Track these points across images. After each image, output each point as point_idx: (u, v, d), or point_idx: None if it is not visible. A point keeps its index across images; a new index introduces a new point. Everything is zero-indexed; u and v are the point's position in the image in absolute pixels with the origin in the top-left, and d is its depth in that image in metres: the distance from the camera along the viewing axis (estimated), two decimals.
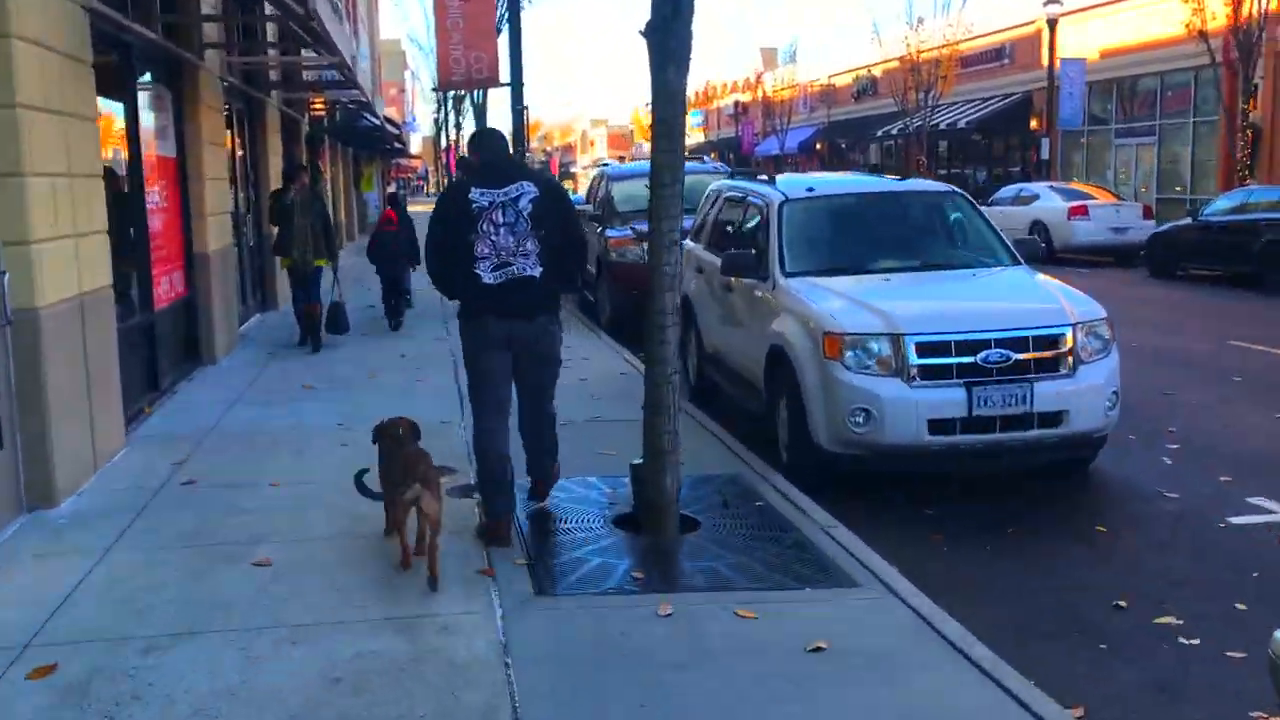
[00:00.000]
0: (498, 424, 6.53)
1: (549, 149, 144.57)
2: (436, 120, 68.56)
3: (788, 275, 8.72)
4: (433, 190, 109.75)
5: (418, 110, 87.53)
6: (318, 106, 24.22)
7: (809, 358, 7.82)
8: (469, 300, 6.44)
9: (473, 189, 6.39)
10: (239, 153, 16.17)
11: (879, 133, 47.32)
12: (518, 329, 6.40)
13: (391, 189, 46.33)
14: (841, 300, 8.03)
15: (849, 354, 7.58)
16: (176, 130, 12.13)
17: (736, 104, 69.13)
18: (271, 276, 17.52)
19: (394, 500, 5.90)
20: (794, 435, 8.04)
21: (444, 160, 77.53)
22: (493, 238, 6.29)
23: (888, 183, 10.10)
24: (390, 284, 15.59)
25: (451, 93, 60.88)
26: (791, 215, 9.19)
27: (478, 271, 6.31)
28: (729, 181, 11.42)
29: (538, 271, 6.38)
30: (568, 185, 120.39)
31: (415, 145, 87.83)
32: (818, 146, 56.90)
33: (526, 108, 14.56)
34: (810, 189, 9.57)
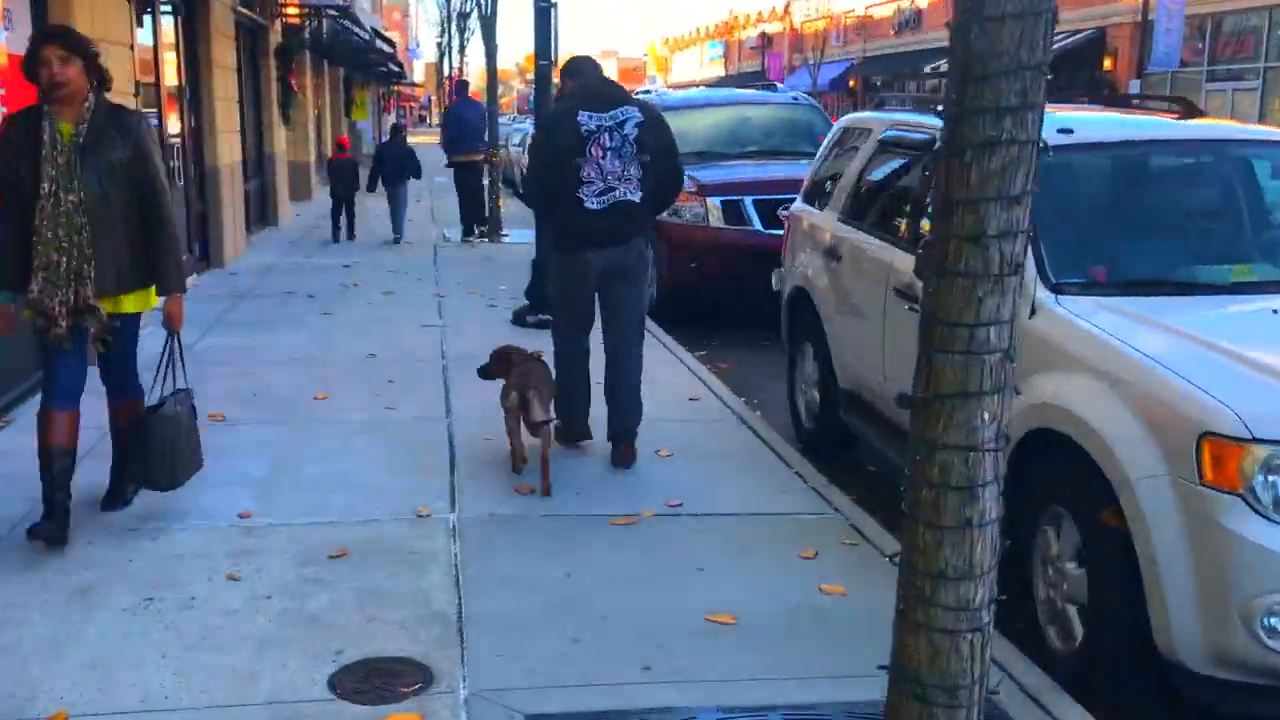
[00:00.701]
0: (583, 338, 6.61)
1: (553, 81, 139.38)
2: (440, 45, 63.79)
3: (1059, 292, 4.66)
4: (435, 121, 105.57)
5: (422, 36, 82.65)
6: (292, 13, 20.02)
7: (1152, 480, 3.80)
8: (569, 227, 6.37)
9: (580, 112, 6.23)
10: (168, 63, 12.16)
11: (927, 69, 42.93)
12: (614, 256, 6.34)
13: (392, 119, 42.15)
14: (1220, 359, 4.01)
15: (1264, 482, 3.59)
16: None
17: (762, 35, 64.42)
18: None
19: (506, 406, 6.09)
20: (1104, 629, 4.08)
21: (446, 89, 73.12)
22: (599, 162, 6.20)
23: (1199, 127, 5.84)
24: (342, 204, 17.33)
25: (455, 8, 56.60)
26: (1050, 179, 4.89)
27: (581, 196, 6.22)
28: (885, 114, 7.22)
29: (638, 196, 6.32)
30: None
31: (419, 73, 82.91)
32: (851, 83, 52.35)
33: (554, 4, 10.35)
34: (1067, 130, 5.18)
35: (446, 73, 72.60)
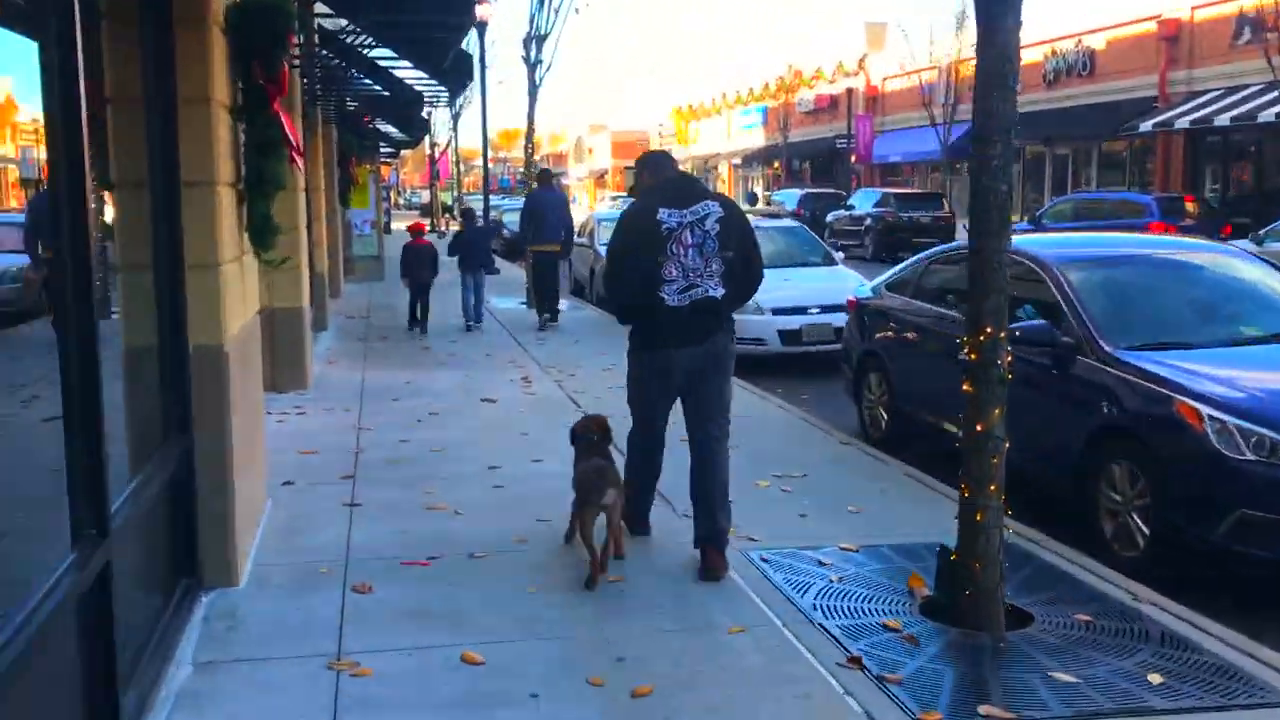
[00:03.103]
0: (657, 446, 6.58)
1: (536, 158, 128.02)
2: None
3: None
4: (401, 204, 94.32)
5: None
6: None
7: None
8: (650, 326, 6.29)
9: (660, 209, 6.19)
10: None
11: (1123, 128, 31.70)
12: (698, 355, 6.21)
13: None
14: None
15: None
16: None
17: (830, 99, 53.16)
18: None
19: (585, 507, 6.02)
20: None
21: (434, 168, 61.46)
22: (681, 259, 6.13)
23: None
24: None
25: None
26: None
27: (663, 295, 6.13)
28: None
29: (721, 293, 6.21)
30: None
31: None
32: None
33: None
34: None
35: (435, 147, 61.77)
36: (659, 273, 6.07)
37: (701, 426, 6.28)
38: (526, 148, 20.72)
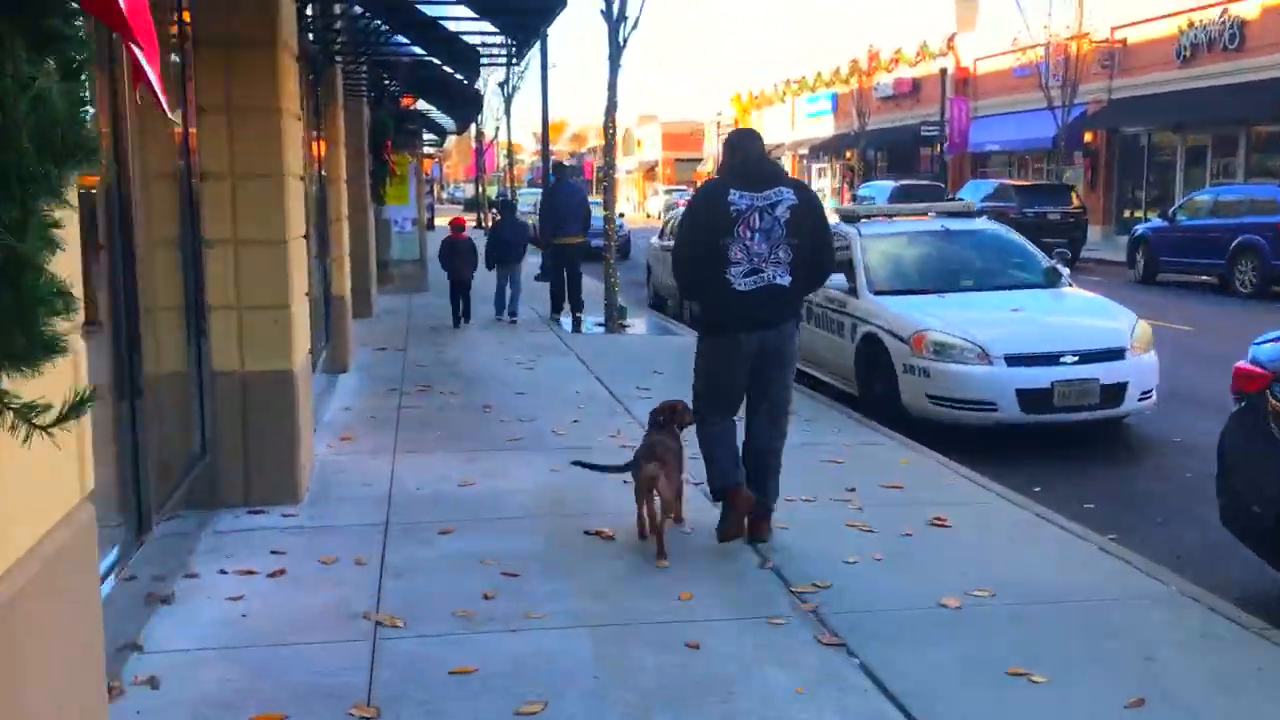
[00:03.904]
0: (730, 423, 6.42)
1: (579, 151, 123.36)
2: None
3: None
4: (444, 199, 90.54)
5: None
6: None
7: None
8: (716, 308, 6.29)
9: (731, 191, 6.17)
10: None
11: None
12: (767, 340, 6.21)
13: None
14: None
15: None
16: None
17: (912, 83, 48.50)
18: None
19: (637, 485, 6.16)
20: None
21: (481, 159, 57.17)
22: (747, 243, 6.09)
23: None
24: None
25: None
26: None
27: (729, 277, 6.11)
28: None
29: (788, 280, 6.18)
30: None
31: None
32: (1087, 138, 36.25)
33: None
34: None
35: (477, 133, 57.53)
36: (725, 254, 6.06)
37: (764, 425, 6.36)
38: (607, 128, 16.40)
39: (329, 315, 11.68)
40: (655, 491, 5.98)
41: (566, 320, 16.68)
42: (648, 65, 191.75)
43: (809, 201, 6.23)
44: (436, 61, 15.28)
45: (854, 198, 39.46)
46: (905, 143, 49.08)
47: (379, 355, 13.07)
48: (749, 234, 6.04)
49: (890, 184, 36.41)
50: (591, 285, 17.62)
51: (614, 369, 11.95)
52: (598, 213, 18.55)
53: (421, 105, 24.66)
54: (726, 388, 6.30)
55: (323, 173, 12.55)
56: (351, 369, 12.00)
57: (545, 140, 21.95)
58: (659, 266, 18.40)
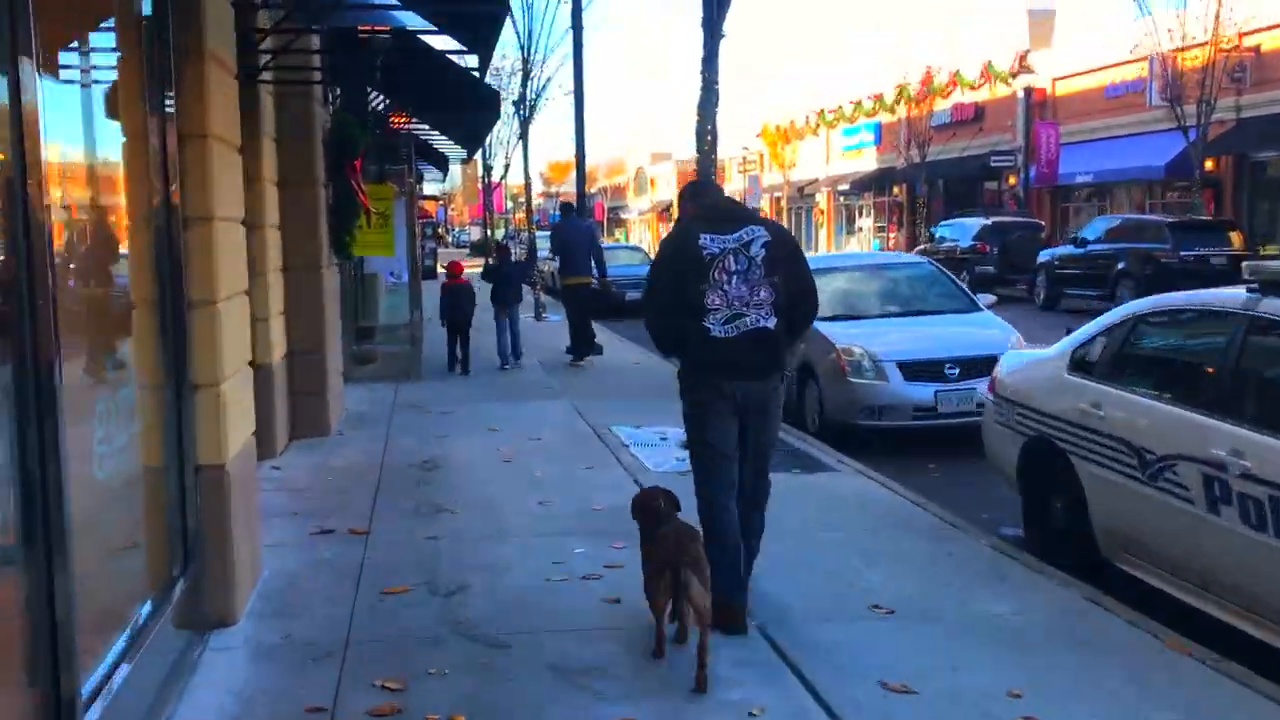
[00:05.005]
0: (730, 500, 5.81)
1: (589, 192, 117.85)
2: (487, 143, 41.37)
3: None
4: (450, 244, 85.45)
5: None
6: None
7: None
8: (697, 358, 5.89)
9: (702, 235, 5.86)
10: None
11: None
12: (752, 390, 5.80)
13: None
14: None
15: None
16: None
17: (975, 107, 42.80)
18: None
19: (654, 582, 5.18)
20: None
21: (489, 197, 51.45)
22: (725, 287, 5.77)
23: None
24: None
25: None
26: None
27: (707, 325, 5.76)
28: None
29: (772, 323, 5.80)
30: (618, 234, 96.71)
31: (430, 185, 60.74)
32: (1208, 165, 30.45)
33: None
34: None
35: (484, 175, 51.84)
36: (702, 302, 5.76)
37: (752, 479, 5.98)
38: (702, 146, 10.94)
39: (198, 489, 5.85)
40: (688, 600, 5.04)
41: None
42: (659, 100, 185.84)
43: (781, 237, 6.02)
44: (428, 31, 9.61)
45: (930, 238, 33.73)
46: (966, 175, 43.43)
47: (314, 552, 7.16)
48: (725, 278, 5.75)
49: (978, 221, 30.62)
50: None
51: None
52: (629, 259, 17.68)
53: (417, 131, 19.05)
54: (718, 443, 5.79)
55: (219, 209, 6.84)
56: (246, 610, 6.08)
57: (581, 162, 16.46)
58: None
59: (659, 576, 5.10)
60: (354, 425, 11.25)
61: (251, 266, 7.62)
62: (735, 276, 5.71)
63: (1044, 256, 26.47)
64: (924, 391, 10.59)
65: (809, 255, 7.67)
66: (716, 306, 5.69)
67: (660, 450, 9.84)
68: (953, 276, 13.30)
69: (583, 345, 16.67)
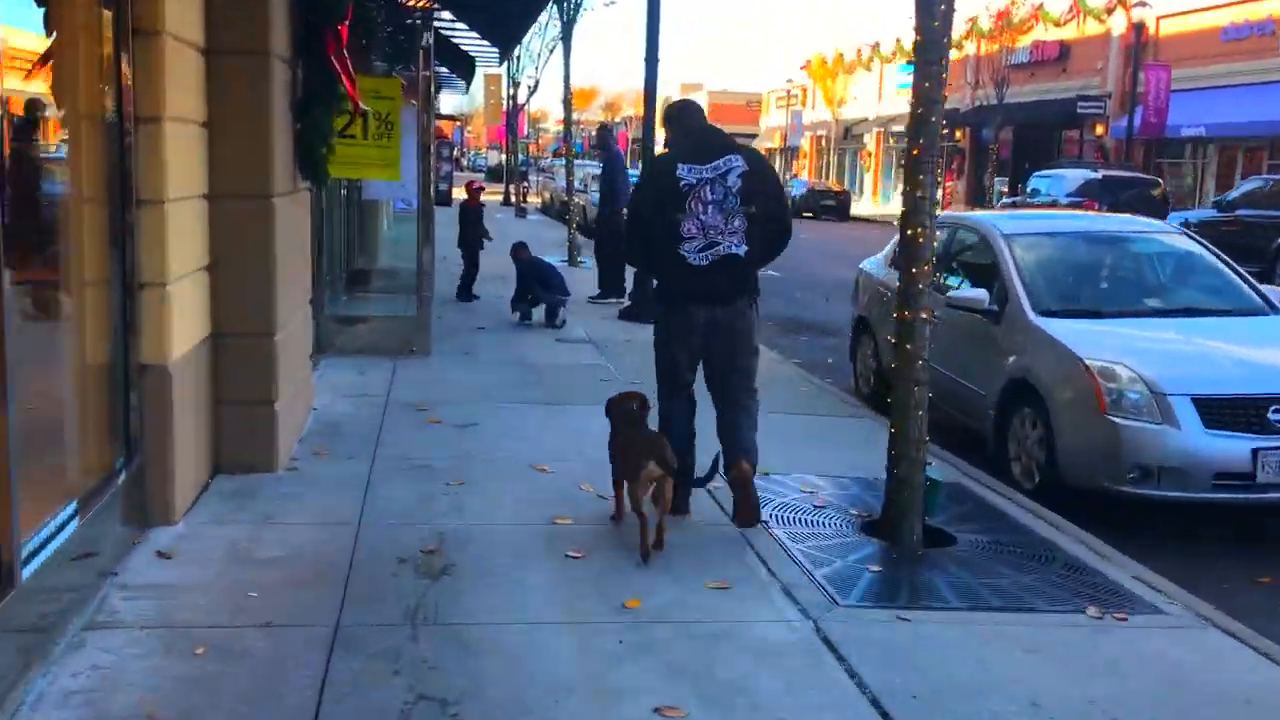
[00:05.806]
0: (683, 406, 6.28)
1: (613, 120, 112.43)
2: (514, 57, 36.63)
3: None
4: (467, 169, 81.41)
5: None
6: None
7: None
8: (672, 284, 6.12)
9: (679, 165, 5.99)
10: None
11: None
12: (719, 314, 6.03)
13: None
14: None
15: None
16: None
17: (1060, 46, 38.40)
18: None
19: (635, 480, 5.67)
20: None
21: (512, 120, 47.06)
22: (700, 216, 5.92)
23: None
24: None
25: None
26: None
27: (683, 252, 5.94)
28: None
29: (743, 250, 5.98)
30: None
31: (446, 101, 55.61)
32: None
33: None
34: None
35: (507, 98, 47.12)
36: (678, 230, 5.90)
37: (726, 393, 6.17)
38: None
39: None
40: (656, 492, 5.66)
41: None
42: (691, 27, 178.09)
43: (759, 166, 6.09)
44: None
45: (1021, 190, 29.61)
46: (1045, 121, 39.11)
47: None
48: (701, 208, 5.89)
49: (1084, 174, 26.39)
50: None
51: None
52: None
53: (439, 25, 15.01)
54: (678, 362, 6.13)
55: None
56: None
57: (653, 60, 12.58)
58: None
59: (641, 471, 5.56)
60: (320, 445, 7.25)
61: (137, 191, 4.79)
62: (711, 206, 5.89)
63: (1172, 220, 22.54)
64: (1236, 447, 6.66)
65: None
66: (693, 235, 5.89)
67: (829, 545, 5.95)
68: (1224, 256, 8.83)
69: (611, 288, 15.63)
